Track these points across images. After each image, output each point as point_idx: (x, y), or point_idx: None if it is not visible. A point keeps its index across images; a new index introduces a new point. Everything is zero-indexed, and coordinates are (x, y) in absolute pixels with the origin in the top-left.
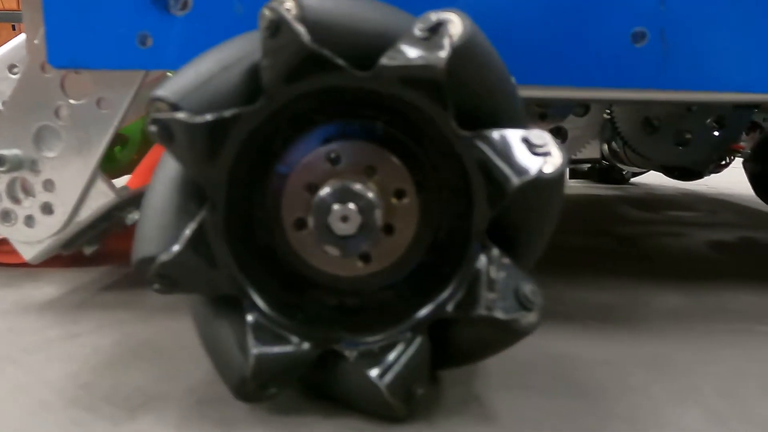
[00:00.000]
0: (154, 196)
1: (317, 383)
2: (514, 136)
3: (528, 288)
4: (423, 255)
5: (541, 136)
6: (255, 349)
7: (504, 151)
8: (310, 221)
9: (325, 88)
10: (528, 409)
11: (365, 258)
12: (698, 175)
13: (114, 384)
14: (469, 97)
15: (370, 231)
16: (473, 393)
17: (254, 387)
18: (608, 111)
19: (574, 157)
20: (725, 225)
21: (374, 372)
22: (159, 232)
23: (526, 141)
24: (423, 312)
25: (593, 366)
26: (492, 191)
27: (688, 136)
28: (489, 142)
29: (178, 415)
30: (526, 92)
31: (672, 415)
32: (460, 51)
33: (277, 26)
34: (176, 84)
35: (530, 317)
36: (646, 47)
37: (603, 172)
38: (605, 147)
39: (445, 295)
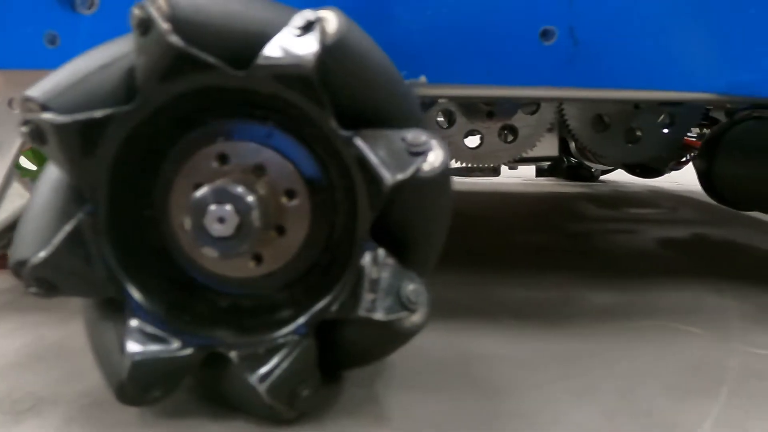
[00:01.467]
0: (35, 198)
1: (209, 386)
2: (391, 135)
3: (411, 289)
4: (317, 255)
5: (419, 135)
6: (132, 352)
7: (380, 150)
8: (187, 222)
9: (207, 88)
10: (425, 409)
11: (257, 259)
12: (658, 173)
13: (8, 387)
14: (347, 95)
15: (249, 232)
16: (373, 393)
17: (133, 390)
18: (559, 108)
19: (526, 155)
20: (682, 222)
21: (255, 375)
22: (36, 234)
23: (404, 140)
24: (309, 314)
25: (505, 364)
26: (370, 191)
27: (639, 133)
28: (366, 141)
29: (64, 417)
30: (438, 91)
31: (568, 412)
32: (333, 48)
33: (146, 25)
34: (49, 83)
35: (414, 318)
36: (554, 45)
37: (571, 169)
38: (573, 145)
39: (330, 296)
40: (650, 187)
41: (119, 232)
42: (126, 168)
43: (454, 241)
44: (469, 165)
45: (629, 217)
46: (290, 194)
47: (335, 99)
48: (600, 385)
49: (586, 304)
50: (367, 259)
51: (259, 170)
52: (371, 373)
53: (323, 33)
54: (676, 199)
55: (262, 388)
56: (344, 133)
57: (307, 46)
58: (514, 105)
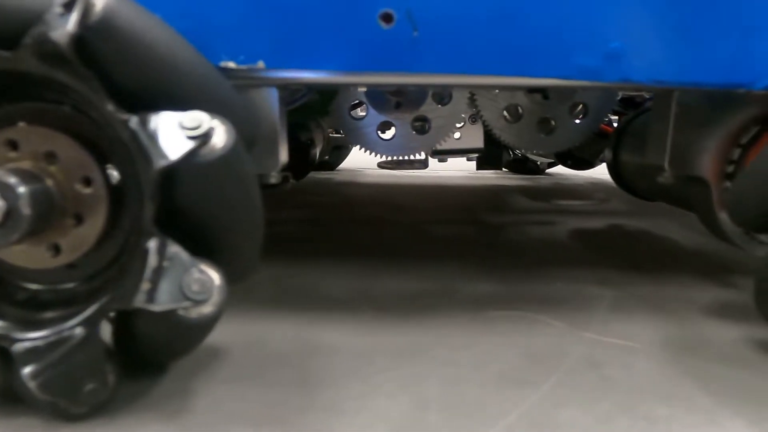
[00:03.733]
0: None
1: (8, 383)
2: (170, 117)
3: (196, 278)
4: (119, 246)
5: (196, 118)
6: None
7: (153, 134)
8: None
9: None
10: (238, 402)
11: (56, 249)
12: (590, 165)
13: None
14: (122, 76)
15: (18, 222)
16: (189, 387)
17: None
18: (472, 98)
19: (440, 147)
20: (606, 213)
21: (28, 370)
22: None
23: (180, 124)
24: (94, 306)
25: (344, 357)
26: (145, 177)
27: (553, 123)
28: (141, 124)
29: None
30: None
31: (380, 404)
32: (96, 26)
33: None
34: None
35: (203, 309)
36: (394, 29)
37: (518, 162)
38: None
39: (118, 287)
40: (592, 179)
41: None
42: None
43: (357, 233)
44: (393, 158)
45: (555, 209)
46: (87, 181)
47: (108, 80)
48: (429, 375)
49: (459, 295)
50: (151, 248)
51: (50, 156)
52: (201, 365)
53: (86, 10)
54: (612, 192)
55: (33, 384)
56: (120, 116)
57: (65, 24)
58: (420, 95)
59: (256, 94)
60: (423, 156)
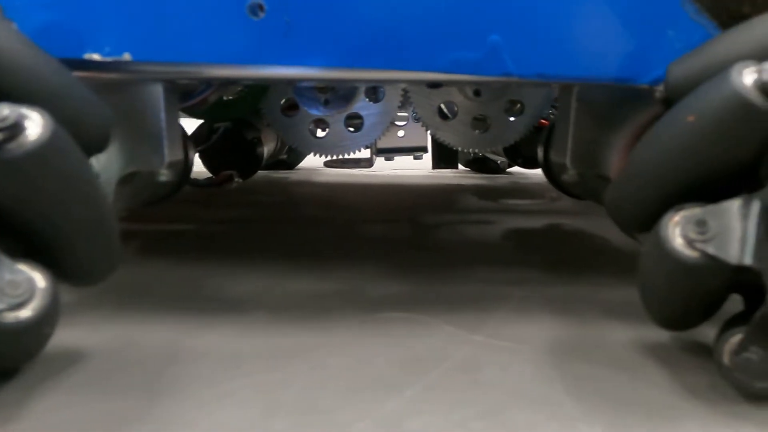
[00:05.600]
0: None
1: None
2: None
3: (8, 280)
4: None
5: (2, 109)
6: None
7: None
8: None
9: None
10: (70, 410)
11: None
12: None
13: None
14: None
15: None
16: (29, 394)
17: None
18: (405, 95)
19: (382, 145)
20: (551, 212)
21: None
22: None
23: None
24: None
25: (210, 361)
26: None
27: (487, 121)
28: None
29: None
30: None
31: (224, 413)
32: None
33: None
34: None
35: (19, 313)
36: (265, 20)
37: (478, 161)
38: None
39: None
40: None
41: None
42: None
43: (284, 233)
44: (338, 157)
45: (500, 208)
46: None
47: None
48: (293, 380)
49: (361, 297)
50: None
51: None
52: (54, 371)
53: None
54: None
55: None
56: None
57: None
58: (350, 91)
59: (133, 89)
60: (369, 155)
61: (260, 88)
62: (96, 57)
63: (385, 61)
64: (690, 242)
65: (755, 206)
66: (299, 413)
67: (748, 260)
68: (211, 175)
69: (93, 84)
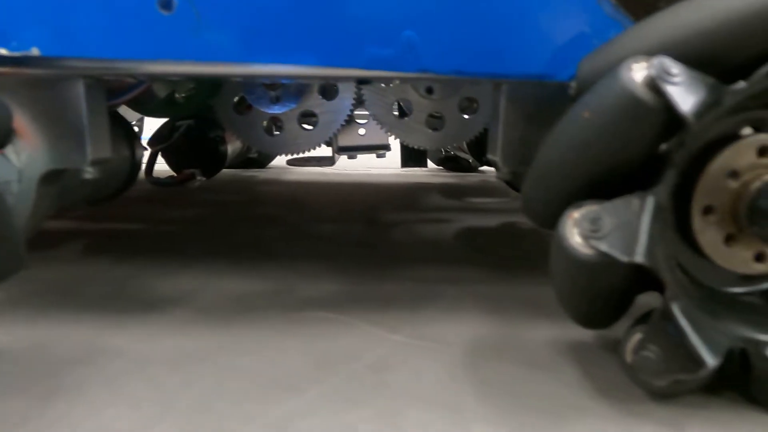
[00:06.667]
0: None
1: None
2: None
3: None
4: None
5: None
6: None
7: None
8: None
9: None
10: None
11: None
12: None
13: None
14: None
15: None
16: None
17: None
18: (359, 93)
19: (343, 144)
20: (511, 211)
21: None
22: None
23: None
24: None
25: (120, 363)
26: None
27: (441, 119)
28: None
29: None
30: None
31: (114, 414)
32: None
33: None
34: None
35: None
36: (175, 15)
37: (449, 160)
38: None
39: None
40: None
41: None
42: None
43: (235, 233)
44: (298, 155)
45: (462, 207)
46: None
47: None
48: (196, 382)
49: (291, 296)
50: None
51: None
52: None
53: None
54: None
55: None
56: None
57: None
58: (300, 88)
59: (53, 85)
60: (330, 153)
61: (211, 86)
62: (3, 52)
63: (300, 58)
64: (586, 239)
65: (649, 203)
66: (190, 416)
67: (639, 258)
68: (173, 173)
69: (11, 81)
